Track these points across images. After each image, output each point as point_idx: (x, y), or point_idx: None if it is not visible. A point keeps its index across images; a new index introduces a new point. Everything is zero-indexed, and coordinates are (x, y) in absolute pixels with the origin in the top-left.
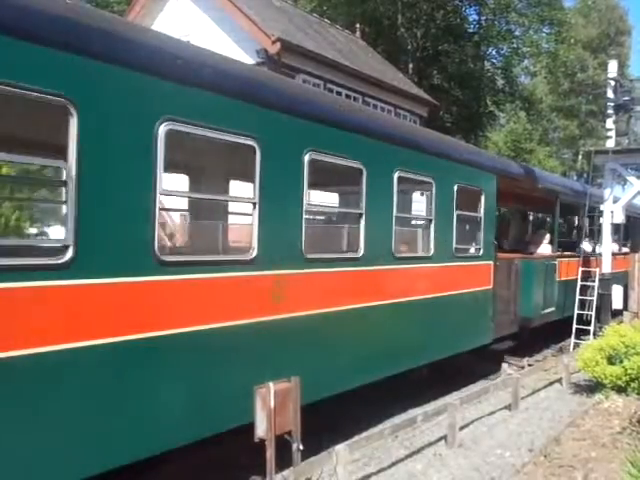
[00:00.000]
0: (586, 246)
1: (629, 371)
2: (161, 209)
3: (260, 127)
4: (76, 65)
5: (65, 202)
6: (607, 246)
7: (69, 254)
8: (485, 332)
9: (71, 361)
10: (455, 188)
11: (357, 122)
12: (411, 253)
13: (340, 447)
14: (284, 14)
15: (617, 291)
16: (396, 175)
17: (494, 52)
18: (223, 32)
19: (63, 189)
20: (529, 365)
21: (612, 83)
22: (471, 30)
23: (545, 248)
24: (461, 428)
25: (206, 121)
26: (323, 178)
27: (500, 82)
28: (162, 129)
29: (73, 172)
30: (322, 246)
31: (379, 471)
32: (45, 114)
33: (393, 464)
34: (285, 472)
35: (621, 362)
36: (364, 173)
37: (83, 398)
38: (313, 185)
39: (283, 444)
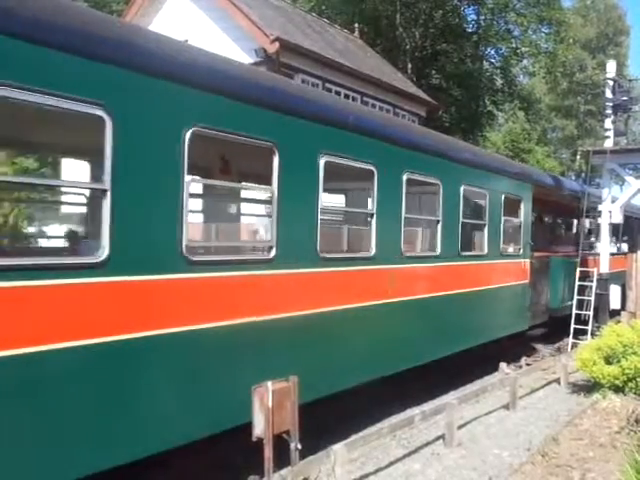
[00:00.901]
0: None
1: (626, 371)
2: (321, 219)
3: (377, 156)
4: (281, 120)
5: (271, 215)
6: (605, 246)
7: (273, 252)
8: (524, 320)
9: (280, 326)
10: (502, 198)
11: (438, 148)
12: (471, 252)
13: (338, 446)
14: (283, 13)
15: (615, 291)
16: (462, 189)
17: (493, 52)
18: (221, 31)
19: (270, 206)
20: (527, 365)
21: (610, 83)
22: (470, 30)
23: (568, 248)
24: (459, 427)
25: (346, 153)
26: (414, 193)
27: (499, 82)
28: (322, 161)
29: (275, 195)
30: (413, 247)
31: (377, 470)
32: (259, 155)
33: (391, 463)
34: (283, 471)
35: (619, 362)
36: (440, 188)
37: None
38: (407, 199)
39: (281, 443)
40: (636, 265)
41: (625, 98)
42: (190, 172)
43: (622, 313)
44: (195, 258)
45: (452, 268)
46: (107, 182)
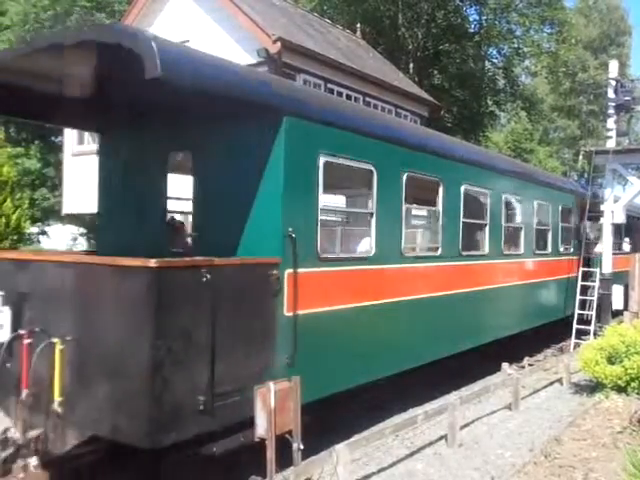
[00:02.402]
0: (626, 246)
1: (629, 371)
2: (462, 228)
3: (490, 183)
4: (443, 162)
5: (437, 226)
6: (608, 246)
7: (439, 251)
8: (575, 305)
9: (441, 301)
10: (560, 208)
11: (524, 174)
12: (540, 250)
13: (340, 446)
14: (285, 13)
15: (617, 291)
16: (535, 203)
17: (495, 52)
18: (223, 31)
19: (437, 220)
20: (529, 365)
21: (613, 83)
22: (472, 30)
23: (601, 247)
24: (461, 428)
25: (475, 183)
26: (510, 208)
27: (501, 82)
28: (463, 188)
29: (440, 212)
30: (509, 247)
31: (379, 470)
32: (431, 187)
33: (393, 463)
34: (285, 471)
35: (621, 362)
36: (516, 202)
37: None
38: (507, 214)
39: (284, 443)
40: (639, 265)
41: (627, 98)
42: (406, 200)
43: (625, 313)
44: (406, 255)
45: (529, 263)
46: (373, 208)
